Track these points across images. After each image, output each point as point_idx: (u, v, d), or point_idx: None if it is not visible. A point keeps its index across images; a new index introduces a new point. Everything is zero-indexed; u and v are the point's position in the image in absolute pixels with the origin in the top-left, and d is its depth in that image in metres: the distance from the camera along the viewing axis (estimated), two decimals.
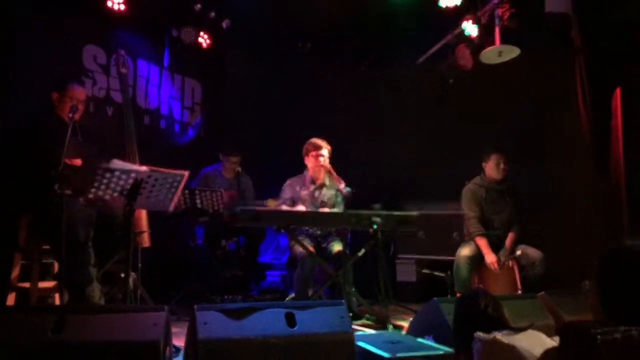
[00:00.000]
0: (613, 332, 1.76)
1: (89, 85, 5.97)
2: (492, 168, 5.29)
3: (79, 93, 4.28)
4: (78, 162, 3.98)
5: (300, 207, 5.13)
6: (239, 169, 6.28)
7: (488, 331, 2.45)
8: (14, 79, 5.24)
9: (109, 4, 5.83)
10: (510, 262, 4.99)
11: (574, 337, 1.91)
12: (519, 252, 4.98)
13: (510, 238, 5.16)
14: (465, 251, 5.11)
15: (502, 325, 2.53)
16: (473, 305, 2.62)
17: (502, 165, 5.25)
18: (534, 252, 4.98)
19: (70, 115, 3.86)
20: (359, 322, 4.81)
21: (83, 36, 6.04)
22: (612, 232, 5.13)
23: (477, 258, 5.07)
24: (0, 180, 4.26)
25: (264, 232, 6.10)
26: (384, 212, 4.78)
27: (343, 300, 3.36)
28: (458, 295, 4.63)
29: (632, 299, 1.94)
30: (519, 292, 4.82)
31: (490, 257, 5.01)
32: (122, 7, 5.87)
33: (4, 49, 5.17)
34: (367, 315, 5.01)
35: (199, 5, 6.47)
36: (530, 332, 2.48)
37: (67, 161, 3.78)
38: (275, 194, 5.47)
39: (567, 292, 4.00)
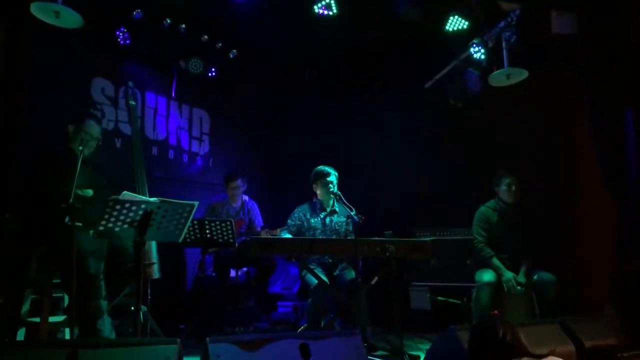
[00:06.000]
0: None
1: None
2: (503, 191, 5.23)
3: (94, 129, 4.32)
4: (89, 192, 3.97)
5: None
6: (246, 197, 6.25)
7: (507, 359, 2.40)
8: (23, 111, 5.27)
9: (117, 38, 5.90)
10: (528, 288, 4.91)
11: None
12: (535, 277, 4.89)
13: (525, 264, 5.05)
14: (487, 276, 4.99)
15: (522, 353, 2.47)
16: (491, 333, 2.57)
17: (513, 188, 5.19)
18: (545, 275, 4.90)
19: (80, 147, 3.89)
20: (375, 352, 4.69)
21: (91, 69, 6.10)
22: (627, 252, 5.04)
23: (499, 284, 4.96)
24: (12, 213, 4.25)
25: (275, 263, 6.02)
26: (397, 239, 4.70)
27: (358, 331, 3.30)
28: None
29: None
30: (537, 318, 4.72)
31: (507, 275, 4.92)
32: (129, 40, 5.95)
33: (14, 82, 5.21)
34: (382, 345, 4.90)
35: (205, 36, 6.54)
36: (551, 358, 2.42)
37: (79, 192, 3.79)
38: (284, 223, 5.40)
39: (586, 316, 3.93)
